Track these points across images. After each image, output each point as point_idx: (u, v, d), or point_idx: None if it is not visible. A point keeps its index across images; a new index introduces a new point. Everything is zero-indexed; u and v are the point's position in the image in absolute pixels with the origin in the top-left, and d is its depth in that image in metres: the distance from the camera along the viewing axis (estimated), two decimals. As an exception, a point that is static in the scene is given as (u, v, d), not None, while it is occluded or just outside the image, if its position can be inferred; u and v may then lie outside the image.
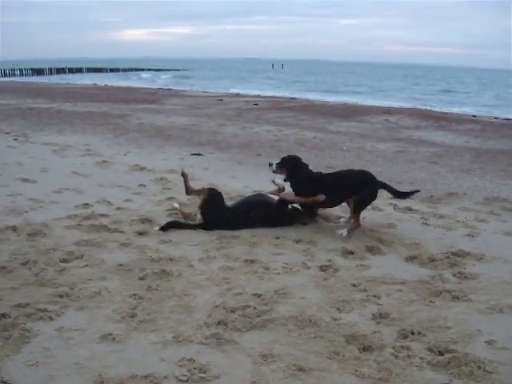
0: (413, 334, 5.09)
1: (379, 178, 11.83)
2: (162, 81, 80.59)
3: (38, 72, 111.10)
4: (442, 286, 6.31)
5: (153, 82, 76.69)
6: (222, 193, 8.91)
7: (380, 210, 9.70)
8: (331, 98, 46.20)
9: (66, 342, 4.85)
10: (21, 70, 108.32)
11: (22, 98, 34.98)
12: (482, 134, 21.89)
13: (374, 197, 8.57)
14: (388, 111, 30.20)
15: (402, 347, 4.86)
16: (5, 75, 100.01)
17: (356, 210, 8.32)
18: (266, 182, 11.45)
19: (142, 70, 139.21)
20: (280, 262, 6.97)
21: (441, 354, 4.77)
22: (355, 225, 8.26)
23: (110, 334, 4.97)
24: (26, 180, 11.21)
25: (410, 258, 7.25)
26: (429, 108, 37.83)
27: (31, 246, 7.29)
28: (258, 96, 44.70)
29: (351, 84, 79.85)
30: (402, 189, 11.04)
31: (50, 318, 5.26)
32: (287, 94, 50.25)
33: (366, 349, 4.82)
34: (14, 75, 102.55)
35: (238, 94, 46.53)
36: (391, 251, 7.56)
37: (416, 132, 22.00)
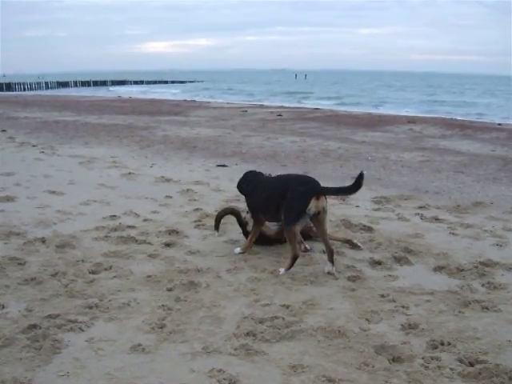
0: (442, 344, 5.05)
1: (405, 189, 11.90)
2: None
3: (63, 85, 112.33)
4: (471, 296, 6.25)
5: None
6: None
7: (406, 220, 9.64)
8: (355, 108, 46.14)
9: (97, 353, 4.89)
10: (46, 84, 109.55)
11: (48, 111, 35.35)
12: (508, 143, 21.69)
13: (300, 207, 6.78)
14: (412, 120, 30.06)
15: (432, 358, 4.82)
16: (31, 89, 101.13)
17: (285, 230, 7.10)
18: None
19: (166, 82, 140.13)
20: (307, 273, 6.97)
21: (471, 364, 4.73)
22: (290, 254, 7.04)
23: (140, 345, 5.00)
24: (53, 192, 11.33)
25: (439, 268, 7.19)
26: (453, 117, 37.56)
27: (60, 257, 7.36)
28: (282, 107, 44.76)
29: (375, 93, 79.67)
30: (428, 198, 11.05)
31: (81, 329, 5.30)
32: (311, 105, 50.22)
33: (395, 360, 4.79)
34: (39, 88, 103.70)
35: (261, 105, 46.62)
36: (419, 261, 7.50)
37: (441, 141, 21.86)
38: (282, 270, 6.90)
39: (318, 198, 6.72)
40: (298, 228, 6.90)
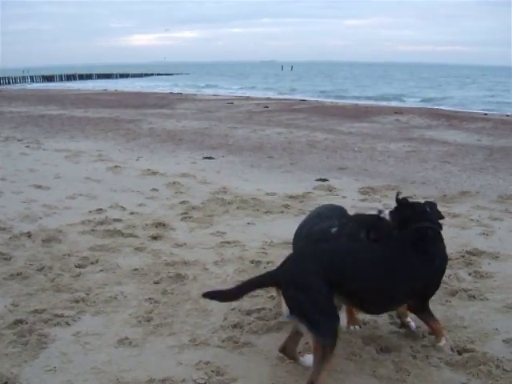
0: (430, 333, 5.05)
1: (392, 179, 11.95)
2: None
3: (49, 79, 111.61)
4: (458, 285, 6.28)
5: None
6: (235, 196, 8.90)
7: (393, 211, 9.64)
8: (341, 99, 46.17)
9: (84, 347, 4.88)
10: (31, 77, 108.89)
11: (34, 105, 35.12)
12: (493, 132, 21.75)
13: None
14: (399, 111, 30.09)
15: (420, 347, 4.83)
16: (16, 83, 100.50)
17: None
18: (278, 184, 11.49)
19: (152, 74, 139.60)
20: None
21: (459, 353, 4.75)
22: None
23: (127, 339, 4.99)
24: (39, 186, 11.28)
25: (425, 258, 7.20)
26: (439, 107, 37.64)
27: (46, 251, 7.34)
28: (269, 98, 44.70)
29: (361, 84, 79.69)
30: (414, 188, 11.08)
31: (67, 324, 5.29)
32: (297, 96, 50.18)
33: (383, 349, 4.81)
34: (24, 82, 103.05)
35: (248, 97, 46.53)
36: (405, 252, 7.51)
37: (427, 131, 21.88)
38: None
39: None
40: None
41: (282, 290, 4.05)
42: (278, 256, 7.17)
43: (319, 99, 46.12)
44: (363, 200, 10.40)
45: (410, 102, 43.67)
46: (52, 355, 4.74)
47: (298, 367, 4.51)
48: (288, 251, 7.30)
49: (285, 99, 44.29)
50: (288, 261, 4.35)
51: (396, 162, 14.73)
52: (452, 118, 26.58)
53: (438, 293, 5.95)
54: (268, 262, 6.92)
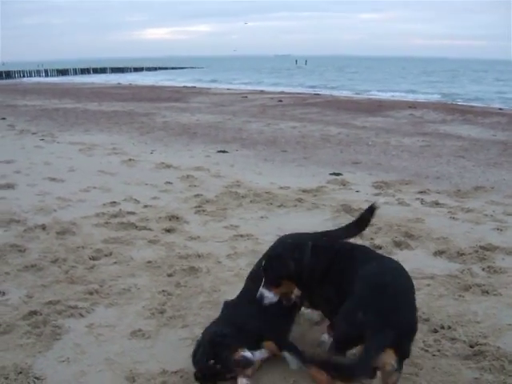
0: (443, 328, 5.05)
1: (406, 174, 11.91)
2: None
3: (63, 72, 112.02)
4: (472, 280, 6.25)
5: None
6: (249, 189, 8.92)
7: (407, 205, 9.62)
8: (355, 94, 46.02)
9: (97, 339, 4.91)
10: (46, 71, 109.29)
11: (48, 99, 35.30)
12: (509, 127, 21.61)
13: None
14: (413, 105, 30.01)
15: (433, 341, 4.82)
16: (30, 76, 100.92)
17: None
18: (291, 178, 11.48)
19: (166, 68, 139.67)
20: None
21: (471, 348, 4.73)
22: None
23: (140, 330, 5.02)
24: (53, 179, 11.34)
25: (439, 253, 7.19)
26: (454, 102, 37.45)
27: (60, 244, 7.38)
28: (282, 92, 44.64)
29: (375, 79, 79.35)
30: (428, 183, 11.04)
31: (81, 315, 5.33)
32: (311, 90, 50.06)
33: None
34: (39, 76, 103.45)
35: (262, 91, 46.49)
36: (419, 246, 7.50)
37: (442, 126, 21.79)
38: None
39: None
40: None
41: None
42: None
43: (333, 93, 45.96)
44: (377, 194, 10.38)
45: (424, 97, 43.44)
46: (66, 346, 4.78)
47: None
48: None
49: (298, 93, 44.21)
50: None
51: (410, 157, 14.67)
52: (467, 113, 26.45)
53: (452, 288, 5.97)
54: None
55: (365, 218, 5.40)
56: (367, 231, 7.90)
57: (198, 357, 4.23)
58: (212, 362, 4.13)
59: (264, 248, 7.20)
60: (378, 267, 4.12)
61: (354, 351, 3.88)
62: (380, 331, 3.58)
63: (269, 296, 4.34)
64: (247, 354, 4.23)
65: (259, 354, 4.35)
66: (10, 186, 10.64)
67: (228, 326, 4.40)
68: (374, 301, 3.73)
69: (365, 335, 3.60)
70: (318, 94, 42.39)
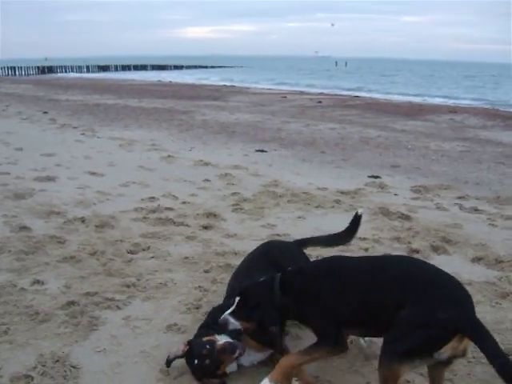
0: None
1: (445, 178, 11.80)
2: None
3: (104, 69, 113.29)
4: (510, 287, 6.15)
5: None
6: (286, 189, 8.91)
7: (445, 210, 9.52)
8: (395, 97, 45.64)
9: (133, 331, 4.96)
10: (87, 67, 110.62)
11: (89, 94, 35.74)
12: (552, 135, 21.26)
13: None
14: (453, 110, 29.69)
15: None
16: (72, 72, 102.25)
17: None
18: (330, 180, 11.45)
19: (206, 67, 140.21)
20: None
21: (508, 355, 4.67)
22: None
23: (176, 325, 5.06)
24: (93, 173, 11.50)
25: (477, 259, 7.09)
26: (495, 107, 36.92)
27: (99, 237, 7.48)
28: (322, 93, 44.53)
29: (416, 82, 78.62)
30: (467, 189, 10.91)
31: (118, 307, 5.39)
32: (351, 92, 49.84)
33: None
34: (80, 71, 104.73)
35: (301, 92, 46.45)
36: (457, 251, 7.42)
37: (482, 131, 21.51)
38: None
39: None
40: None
41: None
42: (327, 250, 7.17)
43: (373, 96, 45.67)
44: (415, 199, 10.29)
45: (465, 101, 42.90)
46: (102, 337, 4.84)
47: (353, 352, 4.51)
48: (338, 247, 7.31)
49: (338, 95, 44.07)
50: None
51: (449, 162, 14.53)
52: (508, 119, 26.07)
53: (489, 295, 5.89)
54: (317, 256, 6.90)
55: (351, 228, 5.36)
56: (404, 235, 7.90)
57: (188, 362, 4.25)
58: (196, 361, 4.15)
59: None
60: (402, 268, 3.97)
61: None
62: (469, 320, 3.56)
63: (234, 323, 4.10)
64: (226, 339, 4.21)
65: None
66: (50, 179, 10.81)
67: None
68: (439, 295, 3.66)
69: (459, 330, 3.52)
70: (357, 96, 42.20)
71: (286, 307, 4.06)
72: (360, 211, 5.33)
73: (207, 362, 4.12)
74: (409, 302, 3.64)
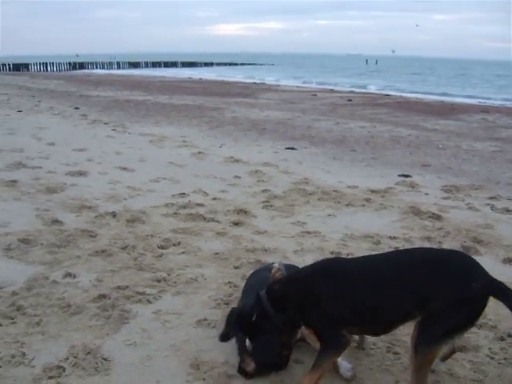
0: (510, 336, 4.94)
1: (476, 178, 11.69)
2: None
3: (134, 65, 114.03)
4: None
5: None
6: (317, 187, 8.89)
7: (476, 210, 9.43)
8: (427, 95, 45.29)
9: (164, 325, 4.99)
10: (118, 64, 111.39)
11: (120, 90, 36.02)
12: None
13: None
14: (485, 110, 29.39)
15: (499, 349, 4.73)
16: (103, 68, 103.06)
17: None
18: (360, 178, 11.42)
19: (236, 64, 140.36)
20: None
21: (540, 357, 4.62)
22: None
23: (206, 320, 5.08)
24: (124, 168, 11.58)
25: (508, 260, 7.01)
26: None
27: (130, 231, 7.53)
28: (352, 92, 44.38)
29: (448, 81, 77.94)
30: (499, 189, 10.80)
31: (148, 301, 5.42)
32: (381, 91, 49.56)
33: (460, 349, 4.71)
34: (111, 68, 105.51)
35: (331, 90, 46.35)
36: (488, 252, 7.34)
37: (515, 132, 21.28)
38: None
39: None
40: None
41: None
42: (358, 248, 7.18)
43: (403, 94, 45.36)
44: (446, 198, 10.20)
45: (498, 101, 42.42)
46: (133, 330, 4.87)
47: (380, 344, 4.49)
48: (368, 245, 7.32)
49: (368, 93, 43.89)
50: None
51: (481, 162, 14.39)
52: (542, 119, 25.74)
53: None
54: (348, 254, 6.89)
55: None
56: (435, 234, 7.85)
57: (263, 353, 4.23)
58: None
59: (330, 246, 7.23)
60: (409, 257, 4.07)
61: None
62: (494, 282, 3.75)
63: None
64: None
65: None
66: (82, 174, 10.90)
67: None
68: (461, 268, 3.77)
69: (491, 294, 3.69)
70: (387, 95, 41.97)
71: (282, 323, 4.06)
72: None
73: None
74: (436, 287, 3.69)
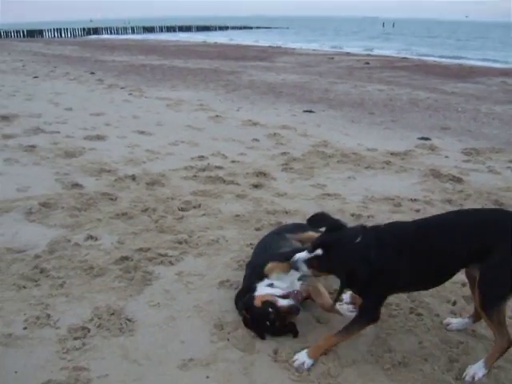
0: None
1: (496, 141, 11.57)
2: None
3: (149, 30, 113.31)
4: None
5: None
6: (336, 150, 8.79)
7: (497, 173, 9.33)
8: (445, 59, 44.74)
9: (186, 286, 5.00)
10: (132, 28, 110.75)
11: (135, 55, 35.83)
12: None
13: None
14: (505, 73, 28.94)
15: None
16: (117, 33, 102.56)
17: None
18: (379, 141, 11.34)
19: (251, 28, 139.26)
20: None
21: None
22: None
23: (228, 281, 5.08)
24: (142, 132, 11.56)
25: (530, 222, 6.95)
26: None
27: (150, 194, 7.54)
28: (369, 55, 43.82)
29: (467, 45, 76.96)
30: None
31: (171, 263, 5.44)
32: (399, 54, 48.99)
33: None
34: (125, 33, 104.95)
35: (348, 53, 45.82)
36: (510, 215, 7.27)
37: (536, 95, 20.98)
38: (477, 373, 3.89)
39: None
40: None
41: None
42: (379, 211, 7.15)
43: (421, 57, 44.81)
44: (466, 161, 10.10)
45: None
46: (156, 292, 4.89)
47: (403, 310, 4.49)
48: (389, 207, 7.28)
49: (385, 56, 43.30)
50: None
51: (501, 125, 14.21)
52: None
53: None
54: (368, 216, 6.87)
55: None
56: (456, 197, 7.79)
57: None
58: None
59: (351, 208, 7.20)
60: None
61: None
62: None
63: (304, 270, 3.92)
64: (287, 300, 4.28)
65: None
66: (100, 138, 10.90)
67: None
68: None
69: None
70: (405, 58, 41.44)
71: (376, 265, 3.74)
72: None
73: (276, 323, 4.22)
74: (494, 243, 3.66)
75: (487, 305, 3.71)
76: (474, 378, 3.84)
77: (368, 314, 3.96)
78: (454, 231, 3.80)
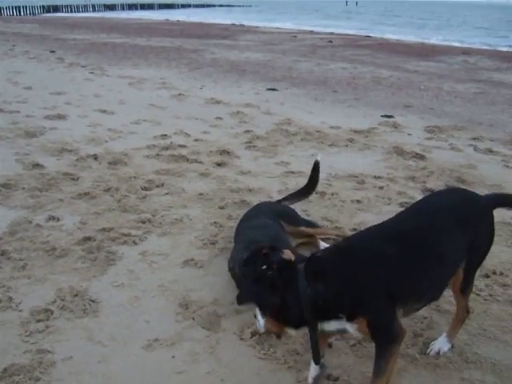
0: (494, 274, 4.97)
1: (458, 119, 11.66)
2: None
3: (110, 8, 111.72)
4: None
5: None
6: (299, 127, 8.82)
7: (460, 151, 9.42)
8: (408, 37, 44.91)
9: (150, 266, 4.97)
10: (93, 6, 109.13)
11: (96, 33, 35.30)
12: None
13: None
14: (467, 52, 29.20)
15: (484, 286, 4.76)
16: (78, 11, 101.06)
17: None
18: (342, 119, 11.35)
19: (214, 6, 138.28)
20: (356, 193, 6.91)
21: None
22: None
23: (193, 260, 5.06)
24: (104, 111, 11.41)
25: (492, 199, 7.03)
26: (510, 49, 36.30)
27: (112, 173, 7.45)
28: (332, 33, 43.82)
29: (428, 23, 77.41)
30: (481, 130, 10.81)
31: (134, 243, 5.39)
32: (362, 32, 49.05)
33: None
34: (86, 11, 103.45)
35: (311, 31, 45.78)
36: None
37: (496, 74, 21.14)
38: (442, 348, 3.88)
39: None
40: None
41: None
42: (342, 188, 7.17)
43: (384, 36, 44.95)
44: (429, 139, 10.17)
45: (479, 42, 42.09)
46: (120, 272, 4.85)
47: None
48: (352, 184, 7.31)
49: (349, 35, 43.34)
50: None
51: (463, 103, 14.34)
52: (523, 62, 25.65)
53: (504, 235, 5.91)
54: (332, 194, 6.90)
55: (313, 177, 6.01)
56: (419, 174, 7.87)
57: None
58: None
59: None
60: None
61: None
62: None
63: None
64: None
65: None
66: (61, 117, 10.73)
67: None
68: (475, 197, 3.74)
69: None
70: (368, 36, 41.55)
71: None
72: (318, 157, 5.88)
73: None
74: (475, 227, 3.57)
75: (468, 290, 3.74)
76: (439, 353, 3.82)
77: (387, 335, 3.14)
78: None
